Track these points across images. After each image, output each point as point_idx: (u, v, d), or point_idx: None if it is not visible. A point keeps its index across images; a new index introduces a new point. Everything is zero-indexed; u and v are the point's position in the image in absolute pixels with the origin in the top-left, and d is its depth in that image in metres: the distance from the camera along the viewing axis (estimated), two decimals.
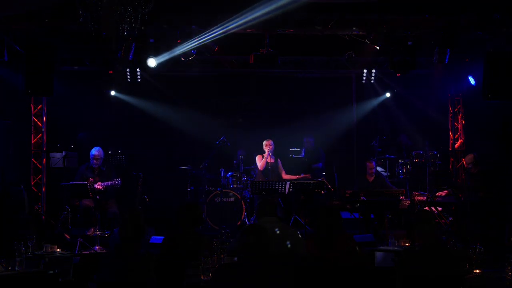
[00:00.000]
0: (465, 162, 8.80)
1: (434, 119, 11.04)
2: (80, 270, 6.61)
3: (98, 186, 8.57)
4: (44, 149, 10.20)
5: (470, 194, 8.14)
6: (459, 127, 10.92)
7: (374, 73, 10.29)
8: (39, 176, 10.14)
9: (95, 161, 8.82)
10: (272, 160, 9.33)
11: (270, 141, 9.35)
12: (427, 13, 7.90)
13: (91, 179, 8.62)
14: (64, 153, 9.66)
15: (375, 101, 11.25)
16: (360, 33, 8.36)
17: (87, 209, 8.53)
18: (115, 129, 10.78)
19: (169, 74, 10.76)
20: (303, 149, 10.31)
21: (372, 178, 9.21)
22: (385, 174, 9.75)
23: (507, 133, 9.38)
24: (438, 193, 8.67)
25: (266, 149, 9.31)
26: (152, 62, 8.85)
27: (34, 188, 9.98)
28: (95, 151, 8.85)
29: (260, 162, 9.36)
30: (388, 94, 11.16)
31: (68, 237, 7.84)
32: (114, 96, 10.85)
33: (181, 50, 8.37)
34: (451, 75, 10.61)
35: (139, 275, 4.13)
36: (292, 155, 9.95)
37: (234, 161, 9.99)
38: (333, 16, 8.08)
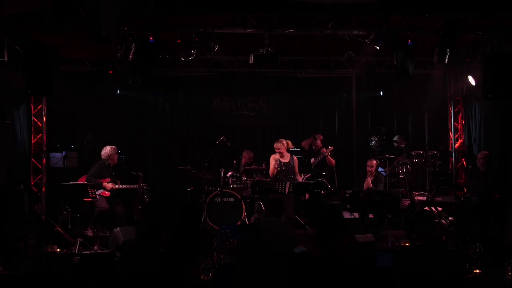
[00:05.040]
0: (479, 158, 8.68)
1: (434, 119, 11.06)
2: (80, 270, 6.60)
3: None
4: (44, 149, 10.21)
5: (476, 193, 8.11)
6: (459, 127, 10.95)
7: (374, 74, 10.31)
8: (39, 176, 10.16)
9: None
10: (286, 160, 9.27)
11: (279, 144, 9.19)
12: (427, 13, 7.89)
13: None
14: (64, 153, 9.67)
15: (375, 101, 11.23)
16: (360, 33, 8.36)
17: (103, 212, 8.55)
18: (114, 129, 10.77)
19: (169, 74, 10.77)
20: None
21: (372, 178, 9.22)
22: (385, 174, 9.73)
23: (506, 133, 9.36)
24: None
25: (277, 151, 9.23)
26: (152, 62, 8.83)
27: (34, 188, 10.00)
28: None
29: (271, 165, 9.21)
30: (388, 94, 11.14)
31: (71, 240, 7.81)
32: (113, 96, 10.85)
33: (181, 50, 8.34)
34: (451, 75, 10.65)
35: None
36: (291, 155, 9.92)
37: (234, 161, 10.00)
38: (333, 16, 8.09)
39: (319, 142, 10.03)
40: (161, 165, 10.88)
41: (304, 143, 10.42)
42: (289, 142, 9.50)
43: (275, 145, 9.18)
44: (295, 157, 9.31)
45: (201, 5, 7.63)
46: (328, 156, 9.78)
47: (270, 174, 9.21)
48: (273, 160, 9.18)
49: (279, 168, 9.06)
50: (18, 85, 7.89)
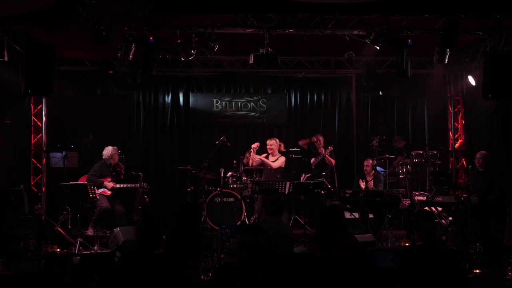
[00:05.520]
0: (477, 158, 8.65)
1: (434, 119, 11.06)
2: (80, 270, 6.61)
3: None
4: (44, 149, 10.21)
5: (475, 193, 8.09)
6: (459, 127, 10.96)
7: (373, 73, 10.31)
8: (39, 176, 10.16)
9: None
10: (273, 160, 9.30)
11: (272, 141, 9.38)
12: (427, 13, 7.89)
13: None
14: (64, 153, 9.68)
15: (375, 101, 11.23)
16: (360, 33, 8.36)
17: (104, 211, 8.56)
18: (114, 129, 10.78)
19: (169, 74, 10.77)
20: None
21: (370, 177, 9.22)
22: (384, 174, 9.72)
23: (506, 133, 9.36)
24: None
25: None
26: (152, 62, 8.84)
27: (34, 188, 10.00)
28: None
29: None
30: (388, 94, 11.13)
31: (71, 240, 7.81)
32: (113, 96, 10.84)
33: (181, 50, 8.34)
34: (451, 75, 10.67)
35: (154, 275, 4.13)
36: (291, 155, 9.94)
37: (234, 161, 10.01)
38: (333, 16, 8.08)
39: (321, 140, 10.03)
40: (161, 165, 10.88)
41: (302, 143, 10.44)
42: (282, 145, 9.53)
43: (268, 141, 9.35)
44: (282, 159, 9.33)
45: (201, 5, 7.63)
46: (327, 156, 9.79)
47: (249, 164, 9.40)
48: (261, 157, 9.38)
49: (271, 169, 9.16)
50: (18, 85, 7.88)
